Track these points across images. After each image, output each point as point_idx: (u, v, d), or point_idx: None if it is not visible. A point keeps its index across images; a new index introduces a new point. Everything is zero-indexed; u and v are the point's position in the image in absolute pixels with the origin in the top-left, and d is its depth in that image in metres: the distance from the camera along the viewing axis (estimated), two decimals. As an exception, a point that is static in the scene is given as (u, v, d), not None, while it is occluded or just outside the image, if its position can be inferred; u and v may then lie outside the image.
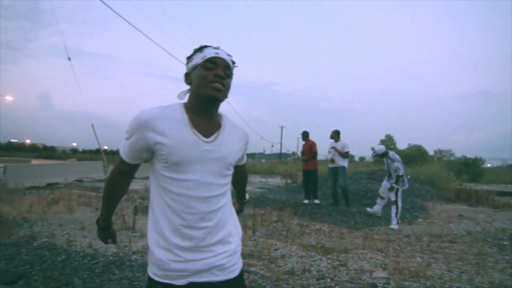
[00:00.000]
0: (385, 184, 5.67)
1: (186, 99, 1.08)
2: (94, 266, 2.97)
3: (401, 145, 32.55)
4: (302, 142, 6.95)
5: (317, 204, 6.51)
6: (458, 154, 29.84)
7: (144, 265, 3.01)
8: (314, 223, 5.26)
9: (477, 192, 8.84)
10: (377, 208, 5.92)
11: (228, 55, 1.07)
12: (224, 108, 1.12)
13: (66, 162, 17.65)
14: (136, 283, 2.69)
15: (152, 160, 1.06)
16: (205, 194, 1.00)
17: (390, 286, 2.75)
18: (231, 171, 1.11)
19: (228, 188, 1.11)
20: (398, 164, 5.23)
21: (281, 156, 49.48)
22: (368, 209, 6.07)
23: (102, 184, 10.78)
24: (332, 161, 6.49)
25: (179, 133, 0.98)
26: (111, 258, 3.18)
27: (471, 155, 22.82)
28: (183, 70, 1.11)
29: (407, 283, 2.81)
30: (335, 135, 6.62)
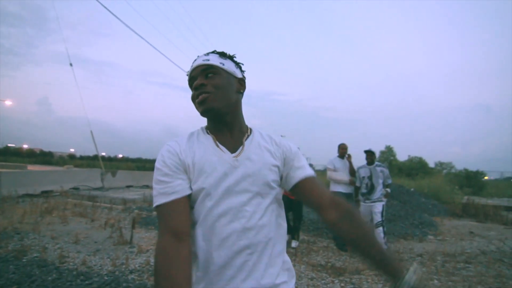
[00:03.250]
0: (363, 206, 4.44)
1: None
2: None
3: (401, 156, 32.31)
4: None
5: (293, 248, 4.46)
6: (459, 166, 29.64)
7: (142, 287, 2.77)
8: (321, 239, 5.02)
9: (484, 207, 8.63)
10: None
11: (209, 54, 0.91)
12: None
13: (63, 168, 17.35)
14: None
15: None
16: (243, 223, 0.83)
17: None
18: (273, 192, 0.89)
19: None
20: (388, 172, 4.50)
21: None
22: None
23: (99, 193, 10.55)
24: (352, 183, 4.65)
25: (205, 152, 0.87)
26: (106, 278, 2.92)
27: (470, 167, 22.56)
28: (184, 78, 0.98)
29: (429, 311, 2.58)
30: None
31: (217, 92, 0.85)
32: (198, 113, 0.90)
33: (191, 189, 0.82)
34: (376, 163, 4.53)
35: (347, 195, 4.62)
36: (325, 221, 0.88)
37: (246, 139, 0.91)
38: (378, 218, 4.27)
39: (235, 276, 0.78)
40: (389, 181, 4.54)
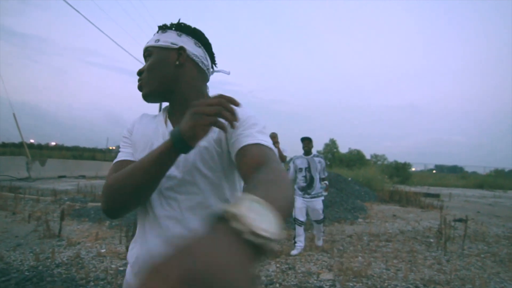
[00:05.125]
0: (301, 201, 3.97)
1: None
2: (3, 285, 2.46)
3: (343, 149, 35.01)
4: None
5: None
6: (390, 158, 33.15)
7: (69, 280, 2.59)
8: (263, 225, 5.22)
9: (407, 194, 9.83)
10: (300, 244, 3.87)
11: (155, 33, 0.83)
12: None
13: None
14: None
15: None
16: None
17: (336, 288, 2.79)
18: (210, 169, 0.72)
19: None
20: (325, 164, 4.12)
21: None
22: (293, 252, 3.77)
23: (24, 184, 9.42)
24: None
25: (150, 126, 0.84)
26: (27, 273, 2.67)
27: (400, 160, 25.49)
28: (130, 61, 0.87)
29: (351, 284, 2.88)
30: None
31: (148, 76, 0.79)
32: (143, 100, 0.85)
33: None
34: (314, 153, 4.14)
35: None
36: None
37: None
38: (320, 215, 3.96)
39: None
40: (326, 174, 4.12)
